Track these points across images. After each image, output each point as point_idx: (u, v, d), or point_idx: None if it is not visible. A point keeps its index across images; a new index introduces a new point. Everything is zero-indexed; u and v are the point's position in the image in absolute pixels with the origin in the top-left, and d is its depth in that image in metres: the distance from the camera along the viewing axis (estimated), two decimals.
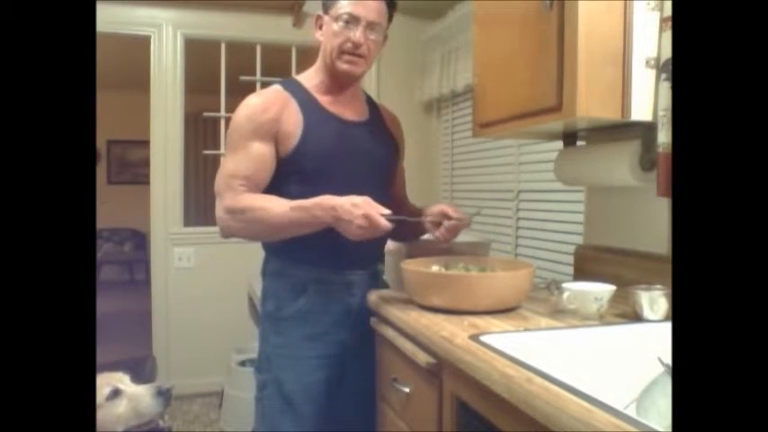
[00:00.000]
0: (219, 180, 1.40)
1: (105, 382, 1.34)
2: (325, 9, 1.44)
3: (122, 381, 1.39)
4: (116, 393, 1.34)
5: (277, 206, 1.33)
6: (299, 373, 1.43)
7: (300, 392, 1.43)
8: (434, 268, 1.37)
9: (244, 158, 1.38)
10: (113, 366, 2.40)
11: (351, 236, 1.26)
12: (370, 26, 1.40)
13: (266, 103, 1.41)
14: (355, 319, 1.48)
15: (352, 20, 1.38)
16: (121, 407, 1.33)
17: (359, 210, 1.23)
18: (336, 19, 1.39)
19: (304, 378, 1.43)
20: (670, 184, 1.21)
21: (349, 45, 1.40)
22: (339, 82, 1.46)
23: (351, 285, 1.47)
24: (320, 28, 1.46)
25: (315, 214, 1.28)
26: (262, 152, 1.38)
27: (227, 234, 1.42)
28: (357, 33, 1.39)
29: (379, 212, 1.24)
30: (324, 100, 1.46)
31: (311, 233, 1.33)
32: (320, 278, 1.44)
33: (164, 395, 1.37)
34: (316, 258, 1.43)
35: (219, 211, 1.38)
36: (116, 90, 5.68)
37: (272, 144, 1.39)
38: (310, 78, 1.49)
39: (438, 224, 1.42)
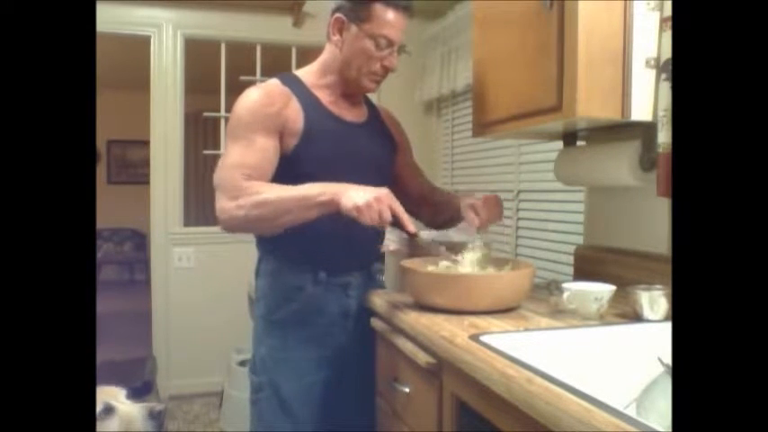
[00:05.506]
0: (220, 172, 1.34)
1: (99, 398, 1.28)
2: (352, 17, 1.37)
3: (117, 397, 1.33)
4: (108, 411, 1.28)
5: (283, 188, 1.29)
6: (295, 375, 1.42)
7: (298, 395, 1.42)
8: (434, 268, 1.37)
9: (248, 150, 1.33)
10: (114, 366, 2.40)
11: (364, 221, 1.20)
12: (399, 48, 1.40)
13: (270, 96, 1.37)
14: (352, 320, 1.48)
15: (389, 44, 1.37)
16: (113, 426, 1.27)
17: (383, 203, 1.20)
18: (371, 37, 1.36)
19: (301, 380, 1.43)
20: (670, 184, 1.21)
21: (381, 68, 1.40)
22: (352, 91, 1.46)
23: (347, 287, 1.47)
24: (340, 32, 1.40)
25: (330, 191, 1.24)
26: (267, 145, 1.34)
27: (228, 226, 1.33)
28: (393, 60, 1.39)
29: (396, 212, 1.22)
30: (326, 100, 1.44)
31: (310, 234, 1.33)
32: (317, 280, 1.43)
33: (156, 418, 1.31)
34: (313, 259, 1.42)
35: (221, 202, 1.31)
36: (116, 90, 5.68)
37: (277, 139, 1.36)
38: (313, 76, 1.46)
39: (476, 212, 1.40)
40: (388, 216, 1.20)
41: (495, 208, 1.41)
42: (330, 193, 1.23)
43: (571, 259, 1.82)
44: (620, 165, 1.40)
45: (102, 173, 6.81)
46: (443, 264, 1.38)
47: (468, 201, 1.42)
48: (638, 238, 1.55)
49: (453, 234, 1.58)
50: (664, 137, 1.22)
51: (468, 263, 1.36)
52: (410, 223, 1.25)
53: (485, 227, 1.40)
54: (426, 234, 1.60)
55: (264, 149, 1.34)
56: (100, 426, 1.26)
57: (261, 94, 1.38)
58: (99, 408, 1.27)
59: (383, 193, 1.22)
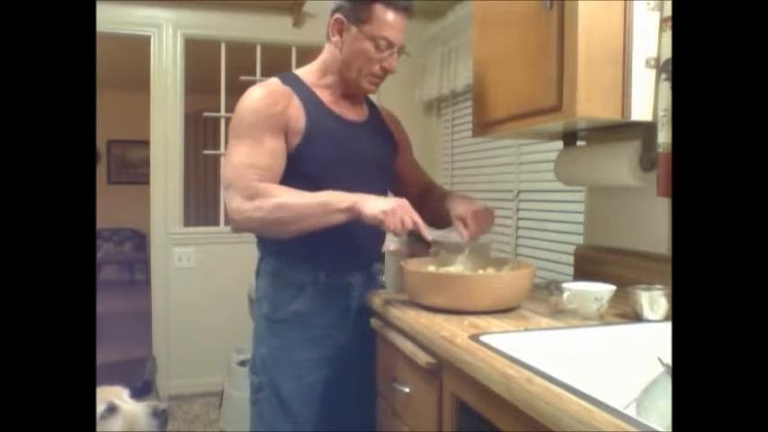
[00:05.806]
0: (231, 171, 1.33)
1: (102, 398, 1.27)
2: (351, 17, 1.37)
3: (120, 396, 1.33)
4: (112, 410, 1.27)
5: (300, 193, 1.30)
6: (296, 375, 1.43)
7: (298, 395, 1.42)
8: (434, 268, 1.37)
9: (257, 150, 1.33)
10: (114, 366, 2.40)
11: (390, 229, 1.26)
12: (399, 49, 1.40)
13: (273, 96, 1.37)
14: (353, 320, 1.48)
15: (389, 46, 1.37)
16: (117, 425, 1.26)
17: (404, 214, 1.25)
18: (371, 39, 1.36)
19: (301, 380, 1.43)
20: (670, 184, 1.21)
21: (380, 70, 1.40)
22: (351, 92, 1.47)
23: (349, 287, 1.47)
24: (339, 33, 1.40)
25: (350, 198, 1.27)
26: (275, 146, 1.35)
27: (243, 227, 1.33)
28: (392, 62, 1.40)
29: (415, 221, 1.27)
30: (326, 99, 1.44)
31: (311, 235, 1.33)
32: (318, 280, 1.43)
33: (160, 417, 1.31)
34: (314, 260, 1.42)
35: (235, 202, 1.30)
36: (116, 90, 5.68)
37: (283, 139, 1.36)
38: (313, 75, 1.46)
39: (465, 223, 1.40)
40: (409, 223, 1.25)
41: (484, 220, 1.41)
42: (351, 201, 1.26)
43: (571, 259, 1.82)
44: (620, 165, 1.40)
45: (102, 173, 6.81)
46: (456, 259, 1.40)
47: (459, 211, 1.43)
48: (638, 238, 1.55)
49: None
50: (664, 137, 1.22)
51: (461, 264, 1.38)
52: (428, 232, 1.30)
53: (473, 240, 1.41)
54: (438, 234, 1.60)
55: (273, 150, 1.35)
56: (104, 425, 1.26)
57: (264, 94, 1.38)
58: (102, 407, 1.27)
59: (403, 202, 1.27)
